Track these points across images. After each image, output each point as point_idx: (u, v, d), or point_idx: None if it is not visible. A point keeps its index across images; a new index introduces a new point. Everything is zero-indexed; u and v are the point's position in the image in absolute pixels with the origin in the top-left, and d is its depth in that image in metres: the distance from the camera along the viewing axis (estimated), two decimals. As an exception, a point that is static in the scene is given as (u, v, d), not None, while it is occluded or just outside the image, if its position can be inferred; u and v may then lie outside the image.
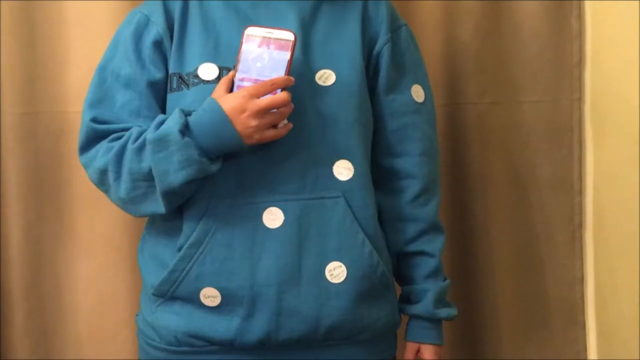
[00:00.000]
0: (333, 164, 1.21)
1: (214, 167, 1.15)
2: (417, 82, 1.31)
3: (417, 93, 1.30)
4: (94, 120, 1.23)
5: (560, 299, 1.63)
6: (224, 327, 1.19)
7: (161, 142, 1.14)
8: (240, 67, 1.15)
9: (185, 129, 1.13)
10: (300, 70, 1.20)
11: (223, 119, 1.13)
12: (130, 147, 1.17)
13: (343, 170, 1.21)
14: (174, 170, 1.13)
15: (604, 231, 1.59)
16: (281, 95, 1.12)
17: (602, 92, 1.58)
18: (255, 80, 1.14)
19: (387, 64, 1.28)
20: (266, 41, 1.15)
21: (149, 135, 1.15)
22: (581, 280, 1.63)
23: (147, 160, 1.15)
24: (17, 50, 1.58)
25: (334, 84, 1.22)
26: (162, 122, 1.16)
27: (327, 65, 1.23)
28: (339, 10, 1.28)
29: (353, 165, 1.22)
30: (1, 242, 1.62)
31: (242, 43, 1.16)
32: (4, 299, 1.62)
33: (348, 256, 1.20)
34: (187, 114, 1.15)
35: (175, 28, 1.25)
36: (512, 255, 1.65)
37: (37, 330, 1.63)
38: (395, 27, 1.30)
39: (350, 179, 1.22)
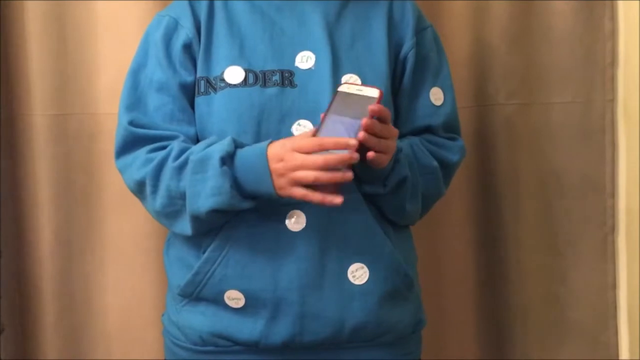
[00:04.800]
0: (356, 166, 1.18)
1: (245, 205, 1.15)
2: (436, 85, 1.29)
3: (436, 96, 1.29)
4: (131, 123, 1.24)
5: (592, 304, 1.61)
6: (249, 328, 1.19)
7: (201, 165, 1.14)
8: (321, 134, 1.09)
9: (228, 158, 1.13)
10: (327, 73, 1.20)
11: (263, 161, 1.12)
12: (171, 164, 1.17)
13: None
14: (205, 196, 1.14)
15: (637, 235, 1.56)
16: (318, 161, 1.07)
17: (634, 93, 1.55)
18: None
19: (411, 69, 1.28)
20: (353, 99, 1.11)
21: (194, 155, 1.15)
22: (613, 285, 1.60)
23: (185, 180, 1.16)
24: (47, 52, 1.60)
25: None
26: (210, 144, 1.16)
27: (352, 70, 1.23)
28: (364, 12, 1.28)
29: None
30: (32, 243, 1.64)
31: (331, 103, 1.11)
32: (35, 298, 1.65)
33: (370, 258, 1.20)
34: (238, 145, 1.15)
35: (202, 31, 1.26)
36: (542, 259, 1.62)
37: (67, 330, 1.65)
38: (419, 29, 1.30)
39: None
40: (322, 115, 1.10)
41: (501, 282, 1.64)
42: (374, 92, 1.10)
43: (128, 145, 1.24)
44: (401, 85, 1.28)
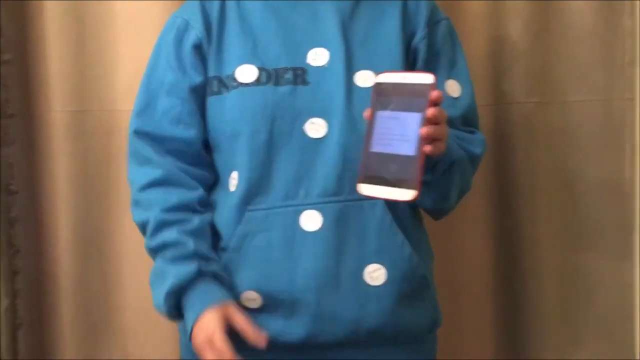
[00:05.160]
0: None
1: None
2: (451, 77, 1.27)
3: (452, 88, 1.27)
4: (137, 132, 1.25)
5: (610, 304, 1.59)
6: (266, 325, 1.18)
7: (158, 276, 1.20)
8: (375, 134, 1.02)
9: (174, 295, 1.17)
10: (340, 70, 1.19)
11: (191, 322, 1.16)
12: (148, 240, 1.22)
13: None
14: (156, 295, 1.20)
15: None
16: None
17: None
18: (394, 156, 1.00)
19: (422, 60, 1.25)
20: (401, 90, 1.01)
21: (160, 260, 1.20)
22: (631, 285, 1.58)
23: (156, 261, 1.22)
24: (66, 49, 1.62)
25: None
26: (178, 258, 1.18)
27: (366, 66, 1.21)
28: (378, 8, 1.26)
29: None
30: (51, 240, 1.65)
31: (374, 96, 1.03)
32: (53, 295, 1.66)
33: (387, 258, 1.19)
34: (202, 270, 1.17)
35: (213, 30, 1.25)
36: (560, 260, 1.61)
37: (85, 326, 1.66)
38: (433, 22, 1.28)
39: None
40: (365, 114, 1.05)
41: (518, 282, 1.63)
42: (426, 78, 1.00)
43: (132, 155, 1.26)
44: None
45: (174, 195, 1.22)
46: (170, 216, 1.20)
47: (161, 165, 1.23)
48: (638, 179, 1.58)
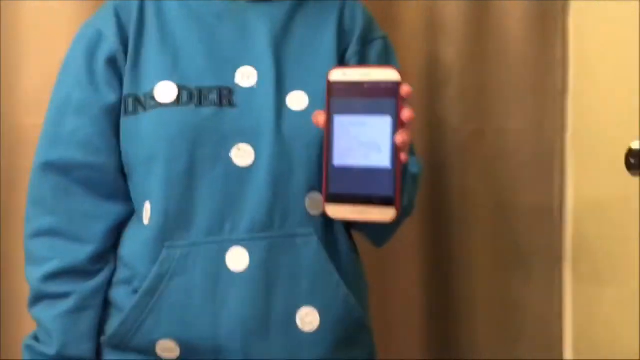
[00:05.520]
0: (305, 196, 1.08)
1: None
2: None
3: None
4: (41, 166, 1.12)
5: (538, 335, 1.58)
6: None
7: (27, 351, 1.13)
8: (336, 144, 0.88)
9: None
10: (270, 92, 1.08)
11: None
12: (29, 308, 1.12)
13: (315, 203, 1.08)
14: None
15: (584, 265, 1.55)
16: None
17: (584, 121, 1.54)
18: (365, 170, 0.87)
19: None
20: (360, 89, 0.88)
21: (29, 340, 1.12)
22: (559, 315, 1.58)
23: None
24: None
25: (307, 107, 1.08)
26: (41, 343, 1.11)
27: (299, 86, 1.10)
28: (314, 19, 1.16)
29: None
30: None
31: (328, 98, 0.89)
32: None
33: (321, 300, 1.07)
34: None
35: (130, 42, 1.12)
36: (491, 287, 1.58)
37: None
38: (368, 40, 1.18)
39: (323, 213, 1.07)
40: (319, 119, 0.92)
41: (451, 308, 1.59)
42: (391, 74, 0.87)
43: (29, 193, 1.13)
44: None
45: (58, 257, 1.10)
46: (50, 288, 1.10)
47: (54, 211, 1.11)
48: (566, 208, 1.58)
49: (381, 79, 0.87)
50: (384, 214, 0.87)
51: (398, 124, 0.86)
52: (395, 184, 0.86)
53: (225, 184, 1.06)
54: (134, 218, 1.13)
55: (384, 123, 0.86)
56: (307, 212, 1.08)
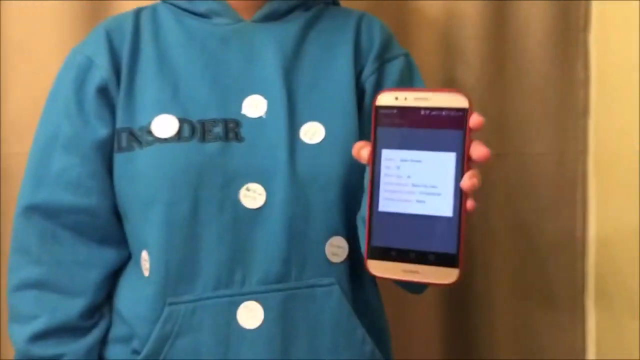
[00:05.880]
0: (325, 242, 0.97)
1: None
2: None
3: None
4: (25, 210, 0.99)
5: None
6: None
7: None
8: (384, 185, 0.73)
9: None
10: (281, 123, 0.97)
11: None
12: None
13: (337, 249, 0.97)
14: None
15: (607, 297, 1.47)
16: None
17: (605, 143, 1.46)
18: (420, 219, 0.72)
19: (369, 101, 1.02)
20: (417, 117, 0.73)
21: None
22: (583, 350, 1.50)
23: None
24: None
25: (323, 140, 0.97)
26: None
27: (314, 117, 0.98)
28: (327, 40, 1.04)
29: (348, 240, 0.98)
30: None
31: (374, 127, 0.74)
32: None
33: (345, 357, 0.97)
34: None
35: (123, 70, 1.00)
36: (513, 319, 1.49)
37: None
38: (388, 58, 1.06)
39: (345, 260, 0.98)
40: (362, 153, 0.76)
41: (473, 339, 1.49)
42: (458, 99, 0.72)
43: (12, 241, 1.01)
44: (360, 122, 1.02)
45: (47, 314, 0.97)
46: (39, 350, 0.98)
47: (40, 260, 0.99)
48: (589, 238, 1.50)
49: (444, 105, 0.72)
50: (442, 276, 0.71)
51: (464, 163, 0.71)
52: (458, 238, 0.71)
53: (234, 229, 0.95)
54: (131, 265, 1.02)
55: (446, 161, 0.71)
56: (328, 260, 0.97)
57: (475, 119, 0.71)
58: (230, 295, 0.94)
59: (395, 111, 0.74)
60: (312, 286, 0.95)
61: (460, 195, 0.71)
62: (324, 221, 0.97)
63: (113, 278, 1.03)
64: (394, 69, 1.06)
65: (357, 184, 0.94)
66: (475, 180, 0.72)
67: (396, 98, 0.74)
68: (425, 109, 0.72)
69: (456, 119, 0.71)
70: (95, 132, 0.98)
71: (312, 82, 1.01)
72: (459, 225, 0.71)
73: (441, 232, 0.71)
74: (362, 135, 0.98)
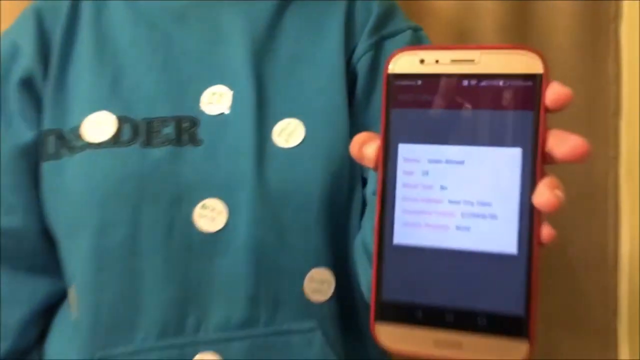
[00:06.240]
0: (304, 276, 0.77)
1: None
2: None
3: None
4: None
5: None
6: None
7: None
8: (400, 203, 0.47)
9: None
10: (248, 120, 0.77)
11: None
12: None
13: (319, 285, 0.77)
14: None
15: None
16: None
17: (638, 148, 1.31)
18: (462, 257, 0.46)
19: (362, 91, 0.82)
20: (456, 90, 0.47)
21: None
22: (616, 377, 1.33)
23: None
24: None
25: (302, 142, 0.78)
26: None
27: (291, 112, 0.78)
28: (311, 19, 0.84)
29: (334, 273, 0.78)
30: None
31: (385, 109, 0.48)
32: None
33: None
34: None
35: (53, 56, 0.80)
36: (542, 341, 1.33)
37: None
38: (389, 33, 0.85)
39: (331, 298, 0.78)
40: (368, 150, 0.50)
41: None
42: (520, 60, 0.46)
43: None
44: (352, 113, 0.82)
45: None
46: None
47: None
48: (621, 253, 1.33)
49: (501, 71, 0.46)
50: (502, 351, 0.44)
51: (537, 165, 0.46)
52: (528, 290, 0.45)
53: (185, 260, 0.75)
54: (65, 301, 0.82)
55: (506, 161, 0.46)
56: (308, 298, 0.77)
57: (556, 91, 0.47)
58: (181, 346, 0.74)
59: (419, 82, 0.48)
60: (287, 332, 0.76)
61: (531, 219, 0.47)
62: (302, 248, 0.77)
63: (46, 315, 0.83)
64: (397, 47, 0.78)
65: (348, 200, 0.76)
66: (558, 194, 0.47)
67: (422, 61, 0.48)
68: (471, 76, 0.47)
69: (522, 92, 0.47)
70: (18, 135, 0.79)
71: (289, 68, 0.81)
72: (529, 269, 0.46)
73: (499, 279, 0.46)
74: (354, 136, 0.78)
